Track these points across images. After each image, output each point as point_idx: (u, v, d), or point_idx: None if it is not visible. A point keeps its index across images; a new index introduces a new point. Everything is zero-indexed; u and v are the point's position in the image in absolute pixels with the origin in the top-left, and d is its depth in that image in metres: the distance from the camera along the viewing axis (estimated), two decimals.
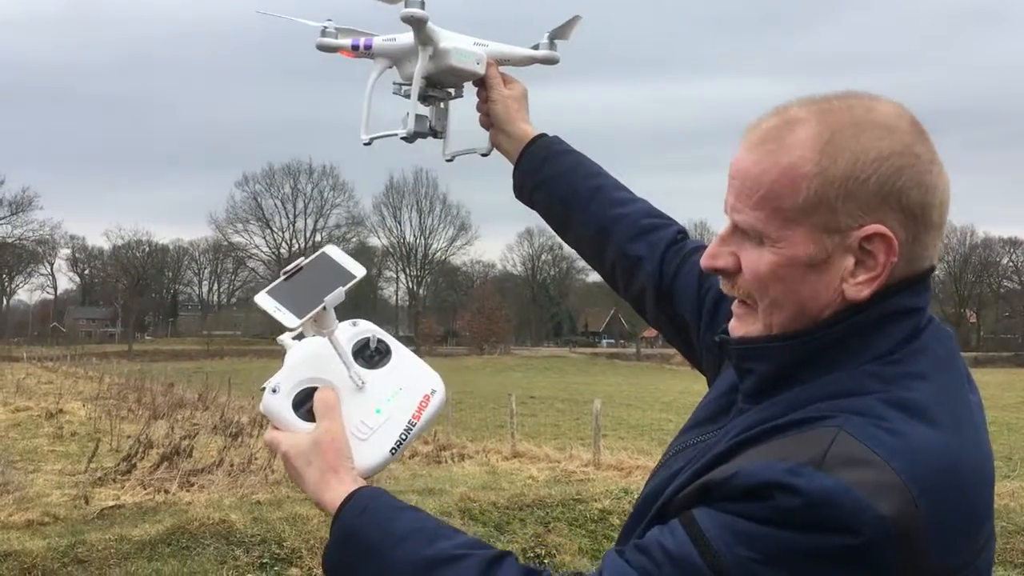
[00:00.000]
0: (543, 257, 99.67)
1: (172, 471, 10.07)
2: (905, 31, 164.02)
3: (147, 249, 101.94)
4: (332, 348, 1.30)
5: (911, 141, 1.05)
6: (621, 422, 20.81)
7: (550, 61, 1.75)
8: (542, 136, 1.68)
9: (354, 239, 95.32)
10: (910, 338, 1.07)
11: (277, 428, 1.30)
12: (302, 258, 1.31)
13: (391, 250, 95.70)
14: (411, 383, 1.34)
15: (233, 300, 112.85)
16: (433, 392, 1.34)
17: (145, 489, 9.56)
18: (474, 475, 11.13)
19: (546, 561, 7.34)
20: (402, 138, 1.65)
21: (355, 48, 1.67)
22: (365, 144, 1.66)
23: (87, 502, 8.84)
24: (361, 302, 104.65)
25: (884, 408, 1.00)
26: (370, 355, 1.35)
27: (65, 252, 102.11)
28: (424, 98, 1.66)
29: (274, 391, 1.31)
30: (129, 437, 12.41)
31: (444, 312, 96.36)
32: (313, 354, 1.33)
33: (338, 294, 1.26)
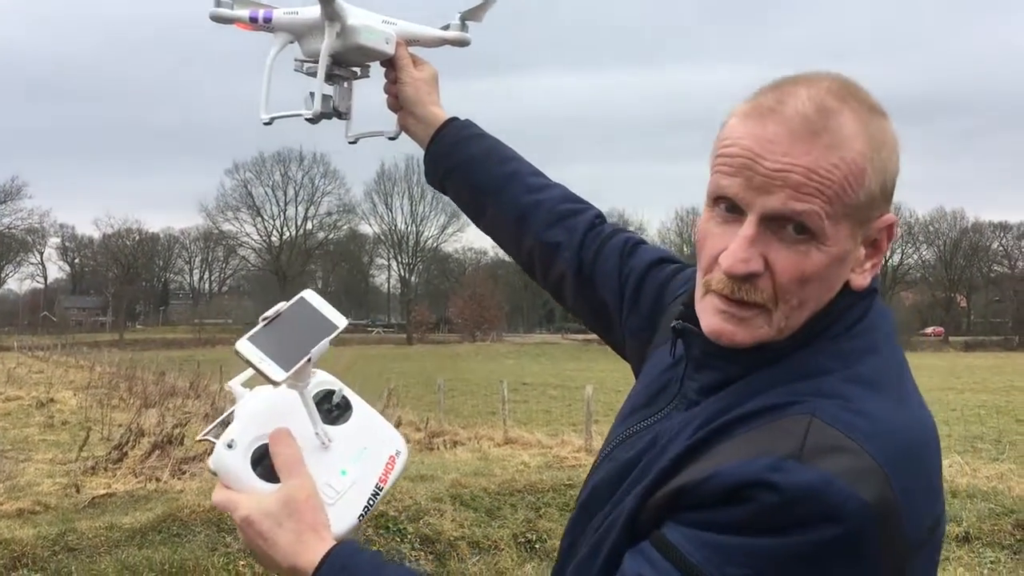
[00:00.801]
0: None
1: (163, 459, 10.06)
2: (894, 17, 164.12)
3: (137, 238, 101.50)
4: (290, 399, 1.19)
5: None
6: (613, 408, 20.82)
7: (461, 43, 1.70)
8: (453, 120, 1.62)
9: (345, 227, 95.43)
10: (862, 316, 1.08)
11: (228, 487, 1.16)
12: (281, 303, 1.21)
13: (383, 238, 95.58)
14: (375, 443, 1.25)
15: (224, 288, 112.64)
16: (398, 453, 1.26)
17: (136, 478, 9.55)
18: (466, 461, 11.15)
19: (537, 546, 7.37)
20: (307, 119, 1.57)
21: (253, 20, 1.57)
22: (265, 124, 1.57)
23: (78, 491, 8.83)
24: (352, 290, 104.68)
25: (848, 387, 1.00)
26: (330, 409, 1.25)
27: (55, 241, 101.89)
28: (328, 77, 1.57)
29: (229, 446, 1.16)
30: (120, 426, 12.38)
31: (436, 299, 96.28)
32: (270, 406, 1.21)
33: (323, 347, 1.18)
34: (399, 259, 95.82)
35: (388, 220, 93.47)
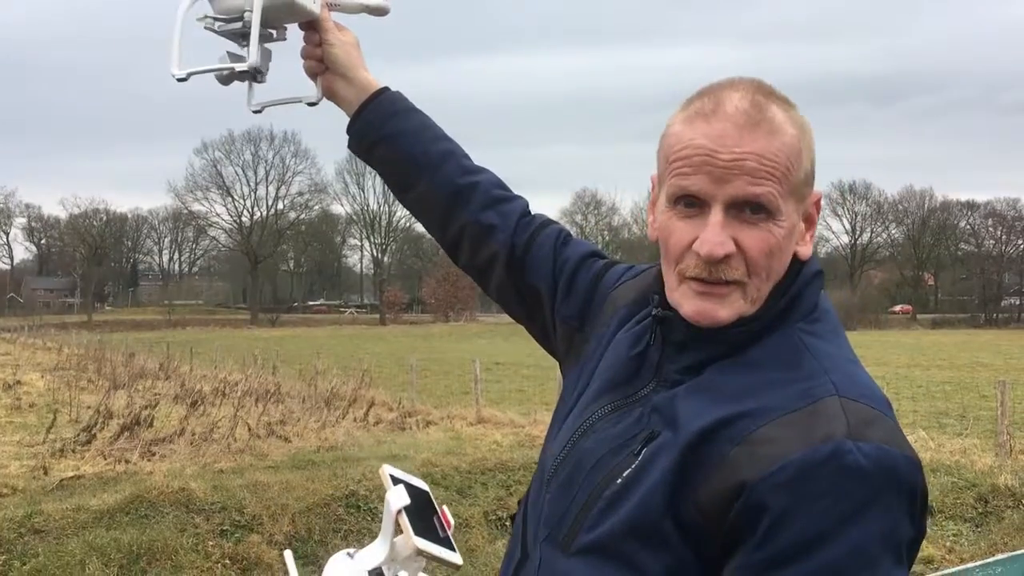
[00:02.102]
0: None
1: (133, 441, 10.00)
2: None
3: (104, 218, 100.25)
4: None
5: None
6: None
7: (380, 11, 1.65)
8: (387, 89, 1.60)
9: (317, 207, 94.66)
10: (818, 297, 1.22)
11: None
12: (393, 493, 1.29)
13: (355, 218, 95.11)
14: None
15: (194, 269, 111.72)
16: None
17: (105, 459, 9.48)
18: (438, 441, 11.17)
19: (507, 523, 7.41)
20: (219, 78, 1.50)
21: None
22: (180, 80, 1.49)
23: (46, 473, 8.75)
24: (325, 271, 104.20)
25: (841, 362, 1.15)
26: None
27: (20, 221, 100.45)
28: (245, 36, 1.49)
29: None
30: (89, 408, 12.27)
31: (409, 280, 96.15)
32: None
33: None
34: (371, 239, 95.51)
35: (360, 200, 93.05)
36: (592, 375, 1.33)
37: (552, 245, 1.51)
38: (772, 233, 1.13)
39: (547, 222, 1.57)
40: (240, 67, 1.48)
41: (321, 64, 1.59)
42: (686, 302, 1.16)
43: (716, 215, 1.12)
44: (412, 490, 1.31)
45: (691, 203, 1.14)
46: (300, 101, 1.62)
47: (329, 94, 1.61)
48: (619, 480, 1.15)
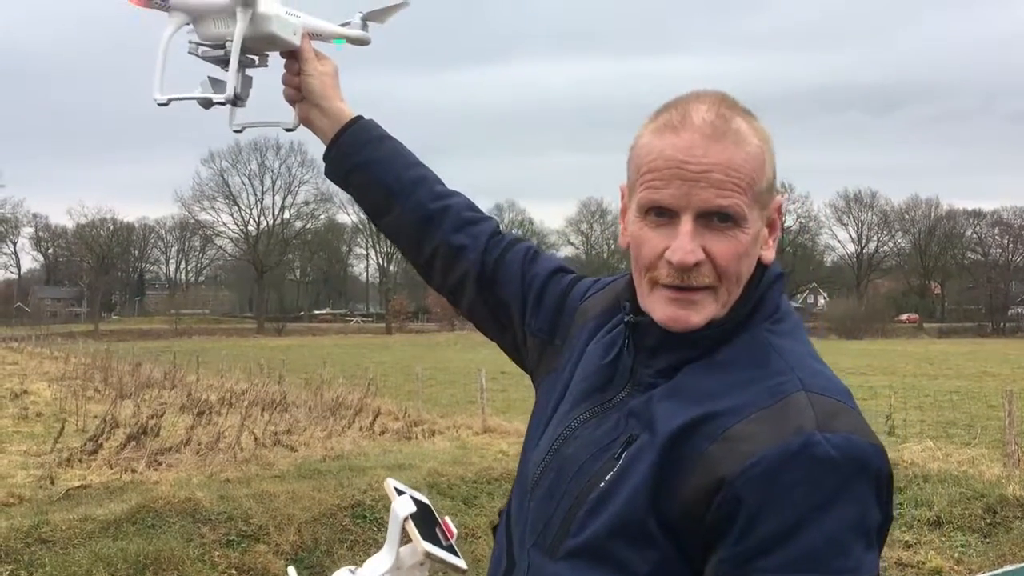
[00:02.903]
0: (513, 232, 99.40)
1: (139, 451, 10.00)
2: (866, 5, 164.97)
3: (112, 227, 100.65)
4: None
5: None
6: None
7: (361, 42, 1.71)
8: (361, 118, 1.66)
9: (323, 216, 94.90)
10: (779, 298, 1.28)
11: None
12: (399, 503, 1.32)
13: (361, 227, 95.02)
14: None
15: (201, 279, 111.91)
16: None
17: (112, 469, 9.49)
18: (444, 450, 11.16)
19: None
20: (217, 103, 1.54)
21: None
22: (161, 105, 1.53)
23: (52, 483, 8.77)
24: (331, 280, 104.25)
25: (805, 359, 1.21)
26: None
27: (28, 231, 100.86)
28: (227, 62, 1.53)
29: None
30: (95, 417, 12.28)
31: (415, 289, 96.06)
32: None
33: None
34: (377, 248, 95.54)
35: None
36: (567, 385, 1.38)
37: (520, 261, 1.57)
38: (739, 240, 1.19)
39: (515, 240, 1.63)
40: (219, 98, 1.53)
41: (298, 93, 1.65)
42: (659, 308, 1.22)
43: (686, 225, 1.18)
44: (415, 502, 1.34)
45: (662, 213, 1.20)
46: (278, 126, 1.68)
47: (305, 122, 1.67)
48: (602, 484, 1.19)
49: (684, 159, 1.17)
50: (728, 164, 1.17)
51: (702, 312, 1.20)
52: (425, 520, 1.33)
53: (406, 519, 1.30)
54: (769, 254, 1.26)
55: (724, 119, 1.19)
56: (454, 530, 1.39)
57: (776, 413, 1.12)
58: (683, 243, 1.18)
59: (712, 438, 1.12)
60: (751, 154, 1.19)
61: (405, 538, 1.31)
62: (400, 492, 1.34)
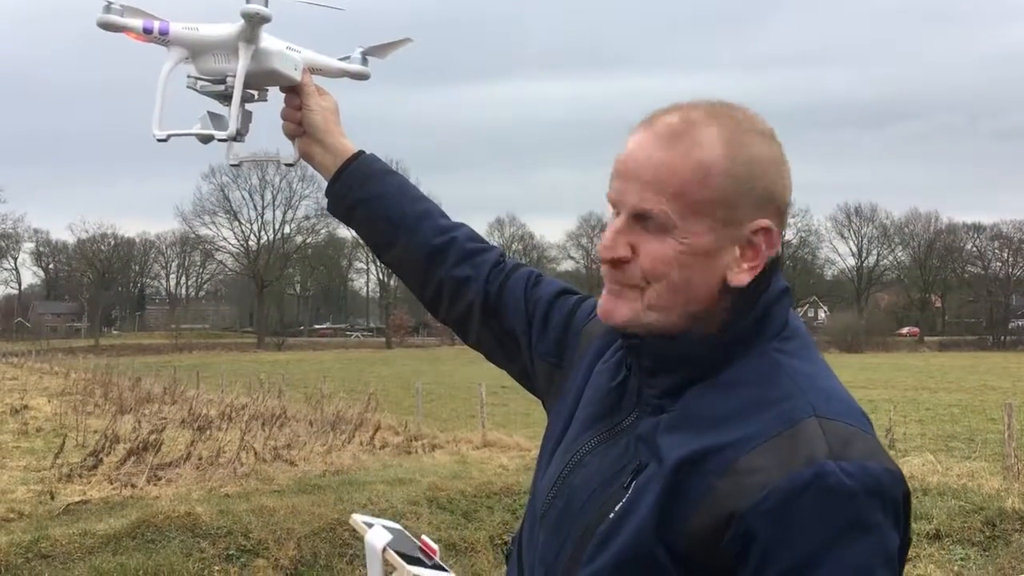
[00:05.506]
0: (514, 247, 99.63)
1: (139, 466, 9.99)
2: (866, 23, 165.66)
3: (112, 243, 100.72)
4: None
5: (781, 149, 1.22)
6: None
7: (361, 76, 1.71)
8: (362, 153, 1.65)
9: (323, 231, 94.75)
10: (787, 316, 1.22)
11: None
12: (373, 532, 1.31)
13: (361, 242, 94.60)
14: None
15: (201, 293, 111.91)
16: None
17: (112, 484, 9.48)
18: (444, 465, 11.15)
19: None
20: (220, 140, 1.54)
21: (147, 32, 1.50)
22: (160, 141, 1.52)
23: (52, 498, 8.76)
24: (331, 294, 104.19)
25: (817, 380, 1.16)
26: None
27: (29, 246, 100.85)
28: (227, 98, 1.54)
29: None
30: (95, 432, 12.26)
31: (415, 303, 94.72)
32: None
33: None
34: (378, 263, 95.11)
35: None
36: (575, 408, 1.35)
37: (523, 287, 1.55)
38: (667, 245, 1.15)
39: (518, 266, 1.61)
40: (220, 135, 1.53)
41: (299, 127, 1.63)
42: (600, 302, 1.23)
43: (618, 220, 1.18)
44: (388, 530, 1.32)
45: (615, 210, 1.20)
46: (278, 160, 1.67)
47: (306, 157, 1.66)
48: (611, 515, 1.16)
49: (625, 158, 1.18)
50: (662, 166, 1.14)
51: (624, 307, 1.19)
52: (403, 545, 1.31)
53: (384, 549, 1.28)
54: (739, 278, 1.18)
55: (688, 124, 1.16)
56: (435, 547, 1.37)
57: (786, 442, 1.08)
58: (606, 236, 1.19)
59: (719, 472, 1.09)
60: (702, 162, 1.14)
61: (389, 568, 1.28)
62: (370, 525, 1.32)
